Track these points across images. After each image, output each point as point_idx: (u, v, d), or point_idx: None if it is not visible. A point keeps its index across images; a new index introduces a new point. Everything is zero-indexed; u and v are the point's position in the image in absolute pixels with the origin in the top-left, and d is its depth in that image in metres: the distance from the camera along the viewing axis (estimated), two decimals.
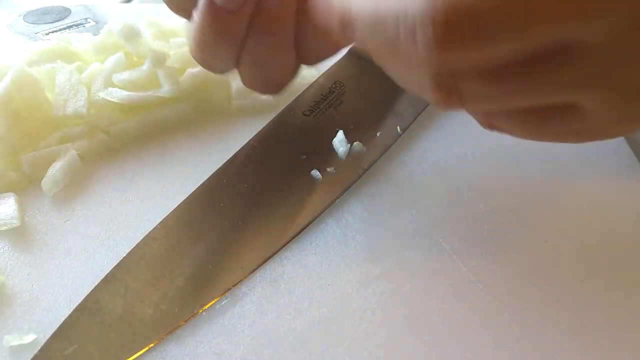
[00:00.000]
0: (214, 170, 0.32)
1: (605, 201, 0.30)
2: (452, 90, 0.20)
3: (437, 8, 0.17)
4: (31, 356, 0.23)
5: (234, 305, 0.25)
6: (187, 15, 0.29)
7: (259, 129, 0.34)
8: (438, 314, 0.25)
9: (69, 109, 0.33)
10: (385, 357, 0.23)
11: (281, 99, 0.37)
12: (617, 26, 0.17)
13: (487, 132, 0.36)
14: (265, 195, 0.30)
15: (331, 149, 0.33)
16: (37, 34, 0.48)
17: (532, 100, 0.20)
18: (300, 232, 0.29)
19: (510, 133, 0.23)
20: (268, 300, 0.26)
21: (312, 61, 0.31)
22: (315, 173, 0.31)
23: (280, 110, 0.35)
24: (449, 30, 0.17)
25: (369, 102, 0.36)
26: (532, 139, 0.23)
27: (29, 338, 0.24)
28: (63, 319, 0.24)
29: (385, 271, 0.27)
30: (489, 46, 0.17)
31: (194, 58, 0.31)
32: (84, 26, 0.49)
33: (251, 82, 0.32)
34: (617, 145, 0.34)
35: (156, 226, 0.28)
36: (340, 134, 0.33)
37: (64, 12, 0.51)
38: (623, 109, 0.20)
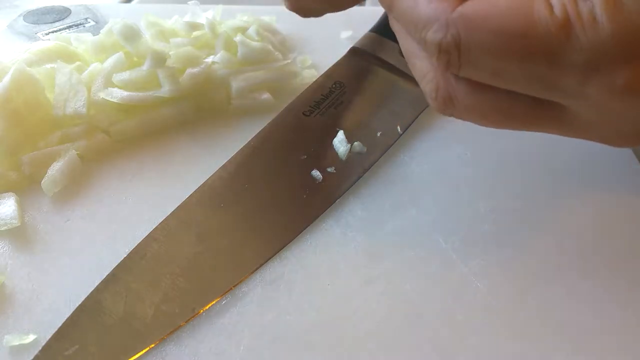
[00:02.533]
0: (214, 171, 0.32)
1: (605, 201, 0.30)
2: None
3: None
4: (32, 356, 0.23)
5: (234, 305, 0.25)
6: None
7: (259, 129, 0.34)
8: (438, 314, 0.25)
9: (69, 109, 0.34)
10: (385, 357, 0.23)
11: (281, 99, 0.37)
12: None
13: (487, 132, 0.36)
14: (266, 195, 0.30)
15: (331, 149, 0.33)
16: (37, 34, 0.48)
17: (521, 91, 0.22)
18: (300, 232, 0.29)
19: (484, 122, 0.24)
20: (268, 300, 0.26)
21: None
22: (316, 173, 0.31)
23: (280, 110, 0.35)
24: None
25: (369, 102, 0.36)
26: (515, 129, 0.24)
27: (29, 338, 0.24)
28: (63, 319, 0.24)
29: (385, 271, 0.27)
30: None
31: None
32: (84, 26, 0.49)
33: None
34: None
35: (157, 227, 0.28)
36: (341, 134, 0.33)
37: (64, 12, 0.51)
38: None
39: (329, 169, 0.32)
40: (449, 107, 0.23)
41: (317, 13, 0.34)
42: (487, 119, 0.23)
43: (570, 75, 0.20)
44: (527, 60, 0.20)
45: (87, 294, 0.25)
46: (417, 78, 0.25)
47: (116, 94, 0.35)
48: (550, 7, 0.19)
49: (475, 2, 0.20)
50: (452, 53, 0.20)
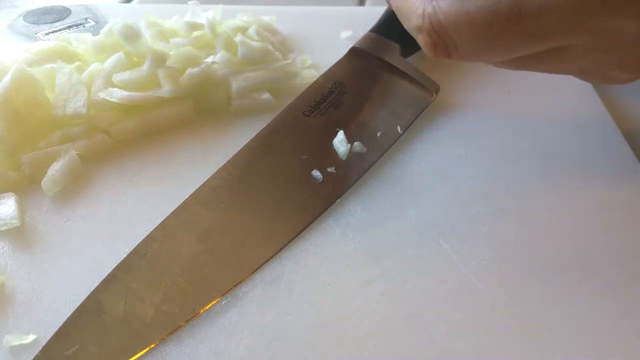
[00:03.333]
0: (214, 170, 0.32)
1: (606, 201, 0.30)
2: (439, 44, 0.26)
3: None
4: (32, 356, 0.23)
5: (234, 305, 0.25)
6: None
7: (259, 129, 0.34)
8: (438, 314, 0.25)
9: (69, 109, 0.34)
10: (386, 357, 0.23)
11: (281, 99, 0.37)
12: None
13: (487, 132, 0.36)
14: (266, 195, 0.30)
15: (331, 149, 0.33)
16: (37, 34, 0.48)
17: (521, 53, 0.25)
18: (300, 232, 0.29)
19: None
20: (268, 300, 0.26)
21: None
22: (316, 173, 0.31)
23: (280, 110, 0.35)
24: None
25: (369, 102, 0.36)
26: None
27: (29, 338, 0.24)
28: (63, 319, 0.24)
29: (385, 271, 0.27)
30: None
31: None
32: (84, 26, 0.49)
33: None
34: (617, 145, 0.34)
35: (157, 227, 0.28)
36: (341, 134, 0.33)
37: (64, 12, 0.51)
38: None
39: (329, 169, 0.32)
40: (436, 25, 0.24)
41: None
42: (475, 23, 0.24)
43: None
44: None
45: (87, 294, 0.25)
46: (406, 21, 0.27)
47: (116, 94, 0.35)
48: None
49: None
50: None
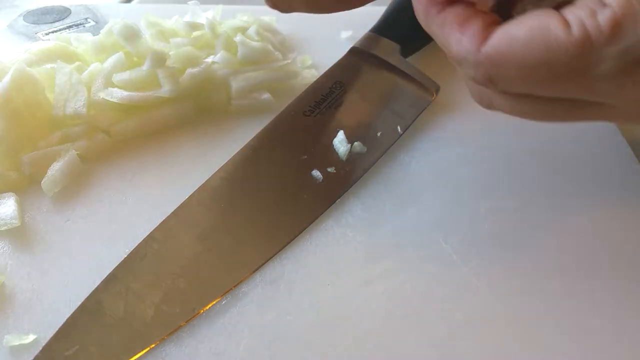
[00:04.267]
0: (214, 171, 0.32)
1: (605, 201, 0.30)
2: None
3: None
4: (32, 356, 0.23)
5: (234, 305, 0.25)
6: None
7: (259, 129, 0.34)
8: (438, 314, 0.25)
9: (69, 109, 0.34)
10: (386, 357, 0.23)
11: (281, 99, 0.37)
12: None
13: (487, 132, 0.36)
14: (266, 195, 0.30)
15: (332, 149, 0.33)
16: (37, 34, 0.48)
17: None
18: (300, 232, 0.29)
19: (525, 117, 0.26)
20: (268, 300, 0.26)
21: None
22: (316, 173, 0.31)
23: (280, 110, 0.35)
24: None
25: (369, 102, 0.36)
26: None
27: (29, 338, 0.24)
28: (63, 319, 0.24)
29: (385, 271, 0.27)
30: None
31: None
32: (84, 26, 0.49)
33: None
34: (617, 145, 0.34)
35: (157, 227, 0.28)
36: (341, 134, 0.33)
37: (64, 12, 0.51)
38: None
39: (329, 169, 0.32)
40: (492, 108, 0.25)
41: (300, 11, 0.34)
42: (528, 117, 0.24)
43: (604, 82, 0.20)
44: (556, 83, 0.21)
45: (87, 294, 0.25)
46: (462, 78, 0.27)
47: (116, 94, 0.35)
48: (567, 27, 0.19)
49: (497, 40, 0.21)
50: (487, 85, 0.22)
